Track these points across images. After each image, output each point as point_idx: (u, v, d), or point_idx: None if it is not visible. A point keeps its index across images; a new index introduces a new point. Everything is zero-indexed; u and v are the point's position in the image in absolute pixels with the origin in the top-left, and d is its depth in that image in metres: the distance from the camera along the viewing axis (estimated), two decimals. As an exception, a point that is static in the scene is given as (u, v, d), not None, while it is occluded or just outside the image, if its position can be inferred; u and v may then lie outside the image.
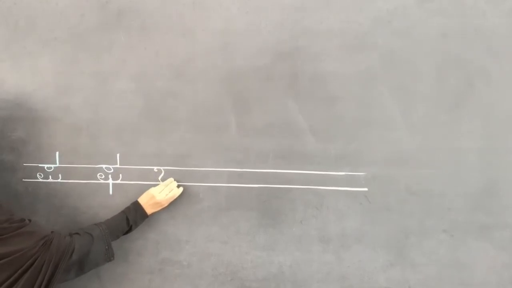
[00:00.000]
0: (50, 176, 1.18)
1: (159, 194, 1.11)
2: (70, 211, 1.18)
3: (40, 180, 1.18)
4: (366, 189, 1.18)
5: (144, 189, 1.17)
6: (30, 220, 0.92)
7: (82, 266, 0.97)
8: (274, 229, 1.19)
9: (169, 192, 1.13)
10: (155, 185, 1.17)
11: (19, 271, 0.85)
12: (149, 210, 1.11)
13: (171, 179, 1.16)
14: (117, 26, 1.15)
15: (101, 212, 1.18)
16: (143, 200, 1.12)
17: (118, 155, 1.17)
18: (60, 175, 1.18)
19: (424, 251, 1.19)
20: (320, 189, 1.18)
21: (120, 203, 1.17)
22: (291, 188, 1.18)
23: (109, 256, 1.03)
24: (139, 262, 1.20)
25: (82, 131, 1.17)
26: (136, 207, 1.10)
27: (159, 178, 1.18)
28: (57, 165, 1.17)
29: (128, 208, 1.11)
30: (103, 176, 1.18)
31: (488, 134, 1.16)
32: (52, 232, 0.94)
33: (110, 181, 1.18)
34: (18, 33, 1.16)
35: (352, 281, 1.20)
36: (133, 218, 1.09)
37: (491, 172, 1.17)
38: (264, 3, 1.14)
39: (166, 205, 1.14)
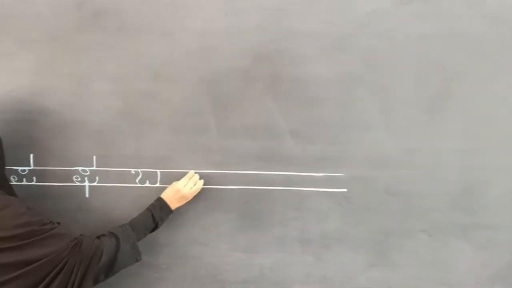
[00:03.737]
0: (24, 179, 1.15)
1: (184, 188, 1.10)
2: (45, 214, 1.14)
3: (14, 183, 1.15)
4: (345, 190, 1.18)
5: (122, 191, 1.16)
6: (59, 223, 0.92)
7: (111, 267, 0.96)
8: (254, 231, 1.19)
9: (194, 185, 1.12)
10: (133, 188, 1.16)
11: (51, 275, 0.85)
12: (173, 205, 1.10)
13: (192, 172, 1.15)
14: (94, 27, 1.13)
15: (78, 215, 1.16)
16: (167, 195, 1.10)
17: (94, 157, 1.15)
18: (34, 178, 1.15)
19: (404, 251, 1.20)
20: (300, 190, 1.18)
21: (97, 206, 1.16)
22: (271, 189, 1.18)
23: (136, 256, 1.02)
24: (117, 266, 1.19)
25: (58, 133, 1.14)
26: (161, 203, 1.09)
27: (137, 180, 1.16)
28: (31, 167, 1.15)
29: (153, 205, 1.09)
30: (79, 179, 1.16)
31: (466, 136, 1.18)
32: (81, 235, 0.93)
33: (87, 184, 1.16)
34: (-7, 33, 1.14)
35: (332, 282, 1.21)
36: (159, 215, 1.07)
37: (469, 173, 1.18)
38: (244, 4, 1.14)
39: (190, 198, 1.13)
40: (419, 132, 1.18)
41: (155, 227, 1.08)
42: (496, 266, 1.21)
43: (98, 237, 0.97)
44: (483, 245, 1.20)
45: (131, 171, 1.16)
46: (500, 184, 1.19)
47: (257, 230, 1.19)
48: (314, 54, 1.15)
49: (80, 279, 0.88)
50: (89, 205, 1.16)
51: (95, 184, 1.16)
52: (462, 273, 1.21)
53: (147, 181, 1.16)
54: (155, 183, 1.17)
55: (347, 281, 1.20)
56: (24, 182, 1.15)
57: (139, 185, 1.16)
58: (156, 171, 1.16)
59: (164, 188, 1.15)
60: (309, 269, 1.20)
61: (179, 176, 1.16)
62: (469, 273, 1.21)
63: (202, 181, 1.15)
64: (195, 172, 1.16)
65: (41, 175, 1.15)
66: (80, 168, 1.16)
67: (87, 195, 1.16)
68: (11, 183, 1.14)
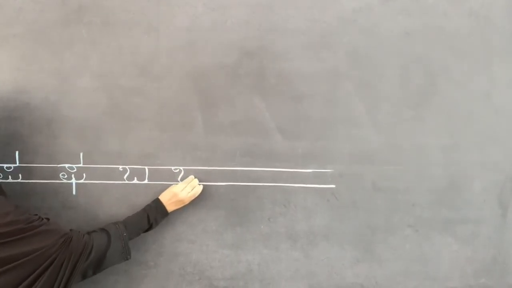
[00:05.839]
0: (9, 176, 1.14)
1: (181, 192, 1.11)
2: (31, 212, 1.15)
3: (-1, 180, 1.15)
4: (333, 186, 1.19)
5: (109, 188, 1.15)
6: (48, 219, 0.92)
7: (99, 264, 0.97)
8: (242, 227, 1.19)
9: (191, 189, 1.13)
10: (120, 185, 1.15)
11: (39, 270, 0.85)
12: (170, 208, 1.11)
13: (192, 176, 1.16)
14: (78, 22, 1.12)
15: (64, 213, 1.15)
16: (165, 197, 1.11)
17: (81, 154, 1.14)
18: (20, 175, 1.14)
19: (390, 246, 1.21)
20: (287, 186, 1.18)
21: (84, 203, 1.15)
22: (258, 186, 1.18)
23: (125, 255, 1.02)
24: (105, 263, 1.18)
25: (43, 130, 1.13)
26: (158, 205, 1.10)
27: (125, 177, 1.16)
28: (17, 164, 1.13)
29: (149, 206, 1.10)
30: (66, 176, 1.15)
31: (450, 132, 1.19)
32: (70, 230, 0.94)
33: (73, 181, 1.15)
34: (-25, 29, 1.12)
35: (320, 277, 1.21)
36: (154, 216, 1.08)
37: (453, 168, 1.20)
38: (230, 0, 1.14)
39: (187, 202, 1.14)
40: (404, 128, 1.19)
41: (149, 228, 1.09)
42: (480, 260, 1.23)
43: (89, 233, 0.97)
44: (468, 239, 1.22)
45: (118, 168, 1.15)
46: (484, 179, 1.21)
47: (245, 226, 1.19)
48: (300, 51, 1.16)
49: (69, 274, 0.89)
50: (76, 203, 1.15)
51: (82, 181, 1.15)
52: (448, 267, 1.23)
53: (135, 178, 1.16)
54: (143, 180, 1.16)
55: (335, 277, 1.21)
56: (10, 180, 1.13)
57: (126, 182, 1.16)
58: (144, 168, 1.16)
59: (152, 185, 1.15)
60: (297, 265, 1.21)
61: (167, 173, 1.16)
62: (455, 267, 1.23)
63: (201, 187, 1.15)
64: (183, 169, 1.16)
65: (27, 173, 1.14)
66: (66, 165, 1.15)
67: (74, 193, 1.15)
68: (-3, 180, 1.13)
